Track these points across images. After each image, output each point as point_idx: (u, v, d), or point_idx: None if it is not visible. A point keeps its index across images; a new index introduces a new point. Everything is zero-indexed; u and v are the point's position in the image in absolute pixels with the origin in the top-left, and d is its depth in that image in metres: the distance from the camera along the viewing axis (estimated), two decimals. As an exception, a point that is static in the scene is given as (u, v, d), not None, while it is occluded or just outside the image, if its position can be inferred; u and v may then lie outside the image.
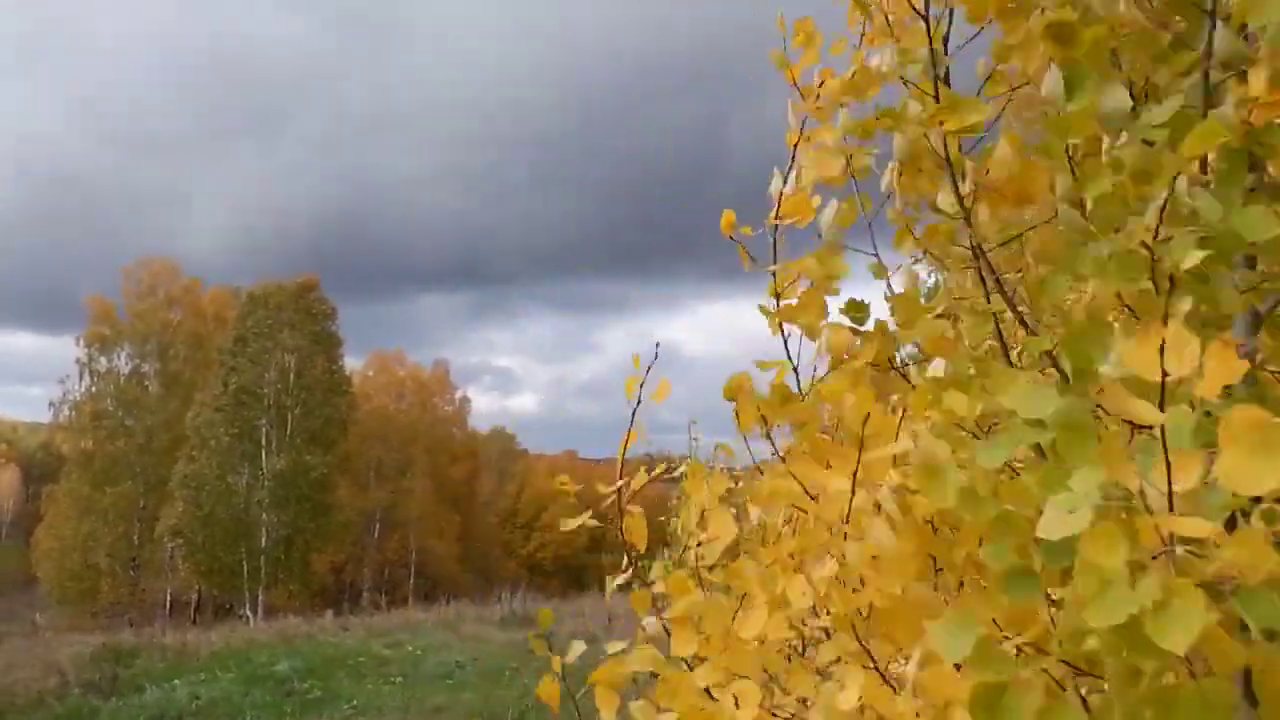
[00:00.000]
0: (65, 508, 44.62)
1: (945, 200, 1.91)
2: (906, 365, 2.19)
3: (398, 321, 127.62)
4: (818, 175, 2.15)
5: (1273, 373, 1.70)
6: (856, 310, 2.09)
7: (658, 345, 2.22)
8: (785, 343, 2.15)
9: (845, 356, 2.04)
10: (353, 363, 54.95)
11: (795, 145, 2.18)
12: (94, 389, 46.26)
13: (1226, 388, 1.24)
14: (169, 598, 46.10)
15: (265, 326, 44.37)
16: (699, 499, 2.15)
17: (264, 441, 43.36)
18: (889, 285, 2.15)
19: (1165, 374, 1.21)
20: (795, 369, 2.15)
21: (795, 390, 2.11)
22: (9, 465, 78.58)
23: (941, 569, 1.72)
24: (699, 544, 2.14)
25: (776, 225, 2.17)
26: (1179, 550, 1.19)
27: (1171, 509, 1.19)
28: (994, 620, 1.41)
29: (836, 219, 2.18)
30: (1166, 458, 1.19)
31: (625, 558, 2.20)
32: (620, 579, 2.21)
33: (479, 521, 57.18)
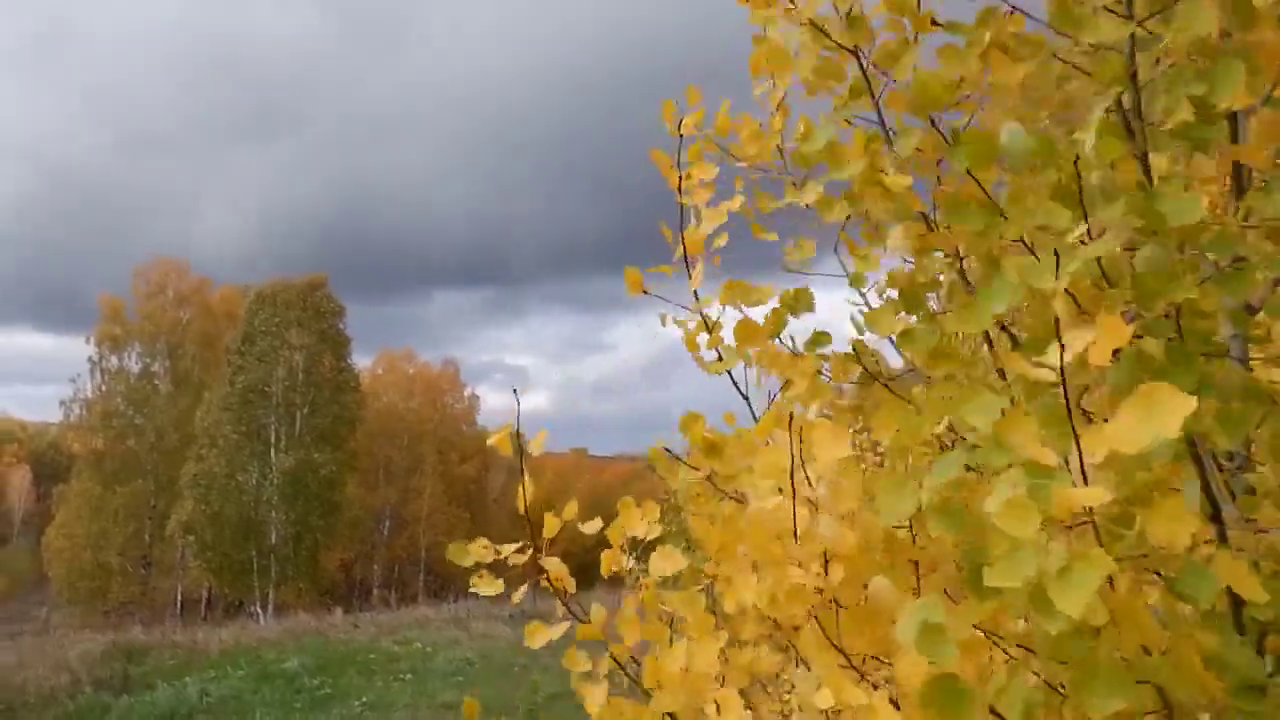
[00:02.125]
0: (76, 507, 44.81)
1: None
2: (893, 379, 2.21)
3: (412, 320, 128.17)
4: (713, 224, 2.19)
5: (1253, 359, 1.72)
6: (821, 342, 2.11)
7: (515, 390, 2.25)
8: (730, 374, 2.18)
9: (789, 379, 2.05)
10: (365, 361, 55.22)
11: (679, 186, 2.22)
12: (104, 388, 46.45)
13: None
14: (179, 596, 46.28)
15: (273, 325, 44.46)
16: (630, 531, 2.17)
17: (273, 440, 43.48)
18: (864, 299, 2.18)
19: (1062, 346, 1.25)
20: (746, 398, 2.18)
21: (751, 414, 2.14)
22: (20, 465, 78.87)
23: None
24: (639, 578, 2.15)
25: (686, 261, 2.20)
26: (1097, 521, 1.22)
27: (1086, 481, 1.21)
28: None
29: (797, 253, 2.22)
30: (1074, 431, 1.22)
31: (560, 604, 2.22)
32: (557, 629, 2.22)
33: (489, 519, 57.22)
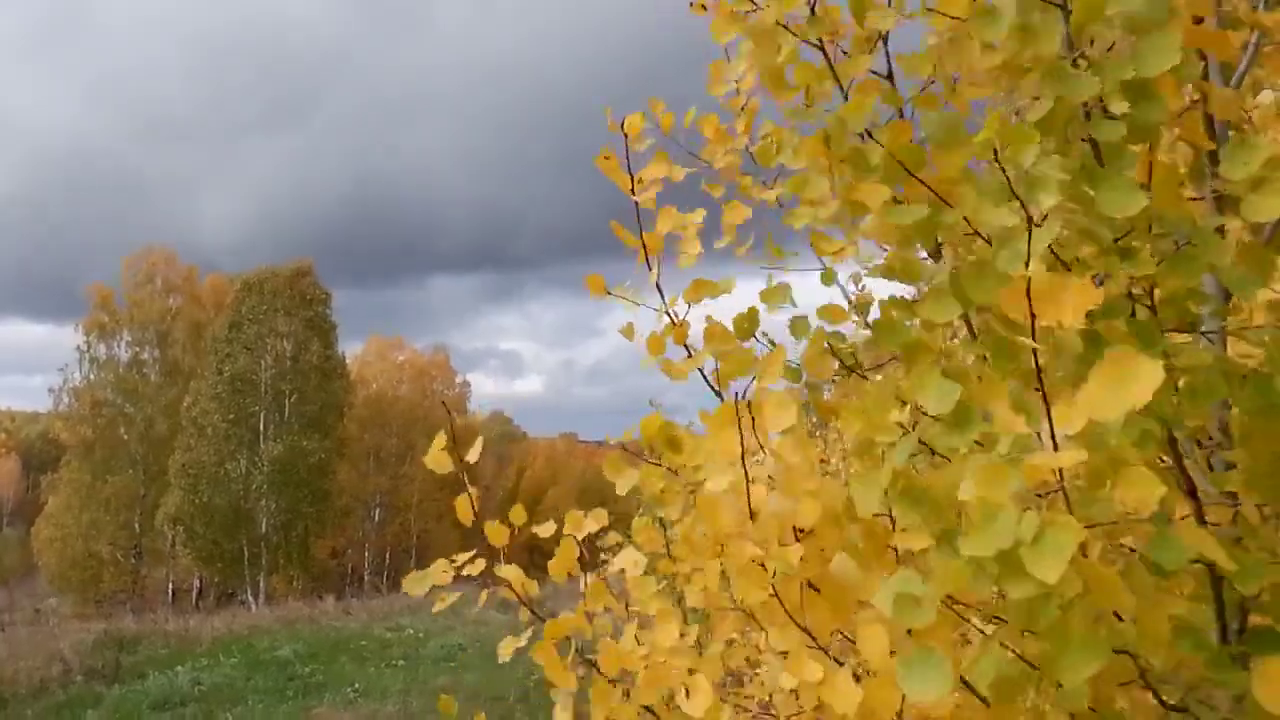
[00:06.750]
0: (66, 496, 44.65)
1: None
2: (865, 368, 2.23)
3: (410, 305, 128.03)
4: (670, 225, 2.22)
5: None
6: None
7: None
8: (704, 375, 2.21)
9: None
10: (356, 348, 55.12)
11: (633, 189, 2.24)
12: (93, 377, 46.20)
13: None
14: (171, 585, 46.21)
15: (259, 313, 44.29)
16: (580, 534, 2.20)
17: (261, 428, 43.37)
18: (843, 291, 2.20)
19: (1033, 314, 1.26)
20: (720, 395, 2.19)
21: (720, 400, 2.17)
22: (9, 455, 78.56)
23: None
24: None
25: (647, 262, 2.23)
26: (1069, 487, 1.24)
27: (1056, 449, 1.22)
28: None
29: (738, 246, 2.25)
30: (1045, 400, 1.23)
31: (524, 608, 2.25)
32: (525, 638, 2.26)
33: (480, 505, 57.24)
